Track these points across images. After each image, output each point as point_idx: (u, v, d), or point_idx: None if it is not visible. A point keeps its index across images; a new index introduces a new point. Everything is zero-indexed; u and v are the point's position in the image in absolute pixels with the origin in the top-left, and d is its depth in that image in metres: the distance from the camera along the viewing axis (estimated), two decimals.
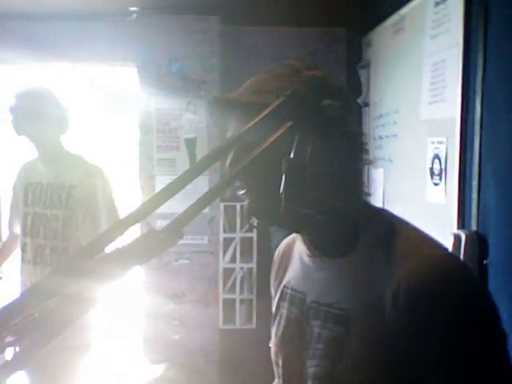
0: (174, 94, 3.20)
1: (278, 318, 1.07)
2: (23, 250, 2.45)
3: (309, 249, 1.00)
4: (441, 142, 2.11)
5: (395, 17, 2.64)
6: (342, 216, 0.93)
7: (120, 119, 3.80)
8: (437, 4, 2.17)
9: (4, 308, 0.65)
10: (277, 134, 0.89)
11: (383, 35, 2.84)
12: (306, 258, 1.01)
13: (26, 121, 2.34)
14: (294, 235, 1.08)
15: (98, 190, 2.41)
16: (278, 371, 1.07)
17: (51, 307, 0.63)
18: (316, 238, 0.98)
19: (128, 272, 0.67)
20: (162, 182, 3.20)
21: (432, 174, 2.18)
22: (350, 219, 0.94)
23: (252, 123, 0.88)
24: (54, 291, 0.65)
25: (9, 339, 0.63)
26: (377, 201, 2.92)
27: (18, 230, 2.52)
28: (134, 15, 3.16)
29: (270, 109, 0.89)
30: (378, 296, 0.85)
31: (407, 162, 2.51)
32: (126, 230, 0.70)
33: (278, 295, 1.09)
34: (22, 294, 0.67)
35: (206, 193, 0.75)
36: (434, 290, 0.80)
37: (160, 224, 2.88)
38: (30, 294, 0.66)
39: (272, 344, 1.09)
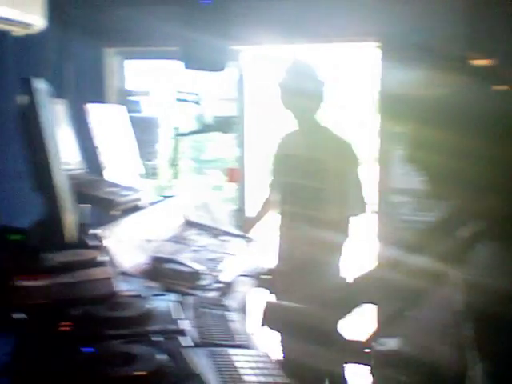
0: (415, 67, 3.11)
1: None
2: (282, 216, 2.63)
3: None
4: None
5: None
6: None
7: (361, 95, 3.84)
8: None
9: None
10: None
11: None
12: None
13: (292, 95, 2.49)
14: None
15: (347, 165, 2.48)
16: None
17: None
18: None
19: None
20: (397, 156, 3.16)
21: None
22: None
23: None
24: None
25: None
26: None
27: (274, 197, 2.70)
28: None
29: None
30: None
31: None
32: None
33: None
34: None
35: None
36: None
37: (398, 200, 2.86)
38: None
39: None
